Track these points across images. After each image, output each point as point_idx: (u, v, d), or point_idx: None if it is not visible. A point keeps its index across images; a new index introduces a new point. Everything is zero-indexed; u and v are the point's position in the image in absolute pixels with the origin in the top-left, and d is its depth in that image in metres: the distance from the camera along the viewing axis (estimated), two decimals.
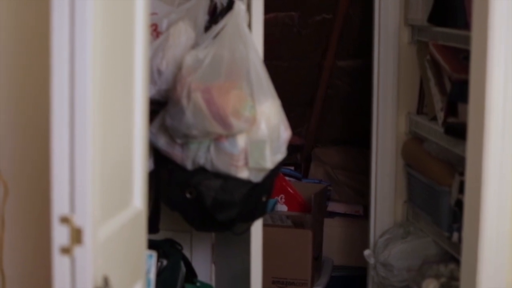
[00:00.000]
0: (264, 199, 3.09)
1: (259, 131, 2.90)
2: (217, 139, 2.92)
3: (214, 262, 3.65)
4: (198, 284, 3.42)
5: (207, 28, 3.10)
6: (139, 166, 2.25)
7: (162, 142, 3.03)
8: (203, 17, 3.14)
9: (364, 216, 4.70)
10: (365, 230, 4.30)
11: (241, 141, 2.90)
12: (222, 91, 2.84)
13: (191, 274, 3.40)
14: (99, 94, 1.89)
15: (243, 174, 2.95)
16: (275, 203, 4.50)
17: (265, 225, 3.32)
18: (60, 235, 1.86)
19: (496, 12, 2.43)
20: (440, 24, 3.52)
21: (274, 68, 3.42)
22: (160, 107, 3.04)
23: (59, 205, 1.86)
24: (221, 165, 2.94)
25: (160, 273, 3.18)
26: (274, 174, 3.05)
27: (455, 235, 3.40)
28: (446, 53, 3.46)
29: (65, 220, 1.85)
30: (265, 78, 2.94)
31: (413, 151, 3.95)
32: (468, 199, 2.64)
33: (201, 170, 2.99)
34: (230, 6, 3.01)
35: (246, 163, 2.93)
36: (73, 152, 1.84)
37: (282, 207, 4.54)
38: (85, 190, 1.85)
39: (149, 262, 2.95)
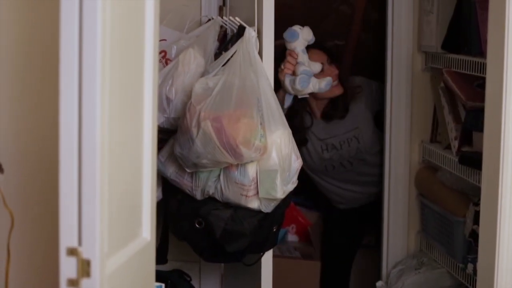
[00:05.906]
0: (274, 229, 3.05)
1: (270, 160, 2.86)
2: (227, 168, 2.88)
3: None
4: None
5: (217, 55, 3.07)
6: (147, 196, 2.21)
7: (171, 171, 3.00)
8: (212, 44, 3.11)
9: (376, 246, 4.65)
10: (377, 260, 4.25)
11: (251, 170, 2.87)
12: (232, 120, 2.80)
13: None
14: (108, 123, 1.86)
15: (254, 204, 2.91)
16: (285, 233, 4.46)
17: (273, 256, 3.26)
18: (67, 267, 1.83)
19: None
20: (454, 51, 3.50)
21: None
22: (169, 135, 3.01)
23: (67, 237, 1.83)
24: (231, 195, 2.90)
25: None
26: (285, 204, 3.01)
27: (470, 267, 3.36)
28: (460, 80, 3.43)
29: (72, 252, 1.82)
30: (276, 107, 2.90)
31: (427, 180, 3.91)
32: (483, 230, 2.61)
33: (210, 200, 2.96)
34: (240, 32, 2.99)
35: (257, 193, 2.89)
36: (81, 183, 1.81)
37: (293, 237, 4.50)
38: (93, 221, 1.82)
39: None
